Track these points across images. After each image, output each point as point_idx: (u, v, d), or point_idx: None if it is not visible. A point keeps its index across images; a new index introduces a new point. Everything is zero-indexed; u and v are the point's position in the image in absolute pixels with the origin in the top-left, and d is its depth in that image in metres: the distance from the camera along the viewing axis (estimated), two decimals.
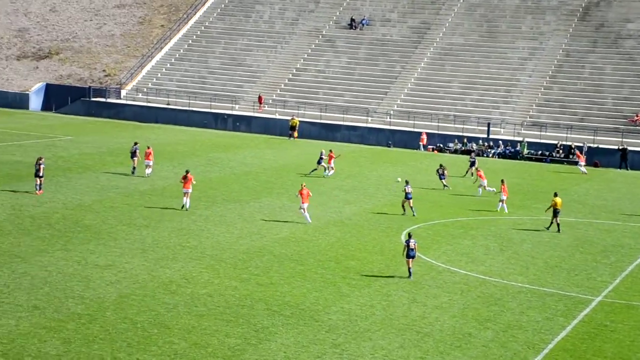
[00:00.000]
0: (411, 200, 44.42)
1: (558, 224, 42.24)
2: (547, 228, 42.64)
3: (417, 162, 65.17)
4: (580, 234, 42.60)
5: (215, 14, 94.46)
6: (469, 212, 46.31)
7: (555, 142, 70.96)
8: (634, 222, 45.99)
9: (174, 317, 27.02)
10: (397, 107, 79.26)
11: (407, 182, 45.23)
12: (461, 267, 34.91)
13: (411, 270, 32.75)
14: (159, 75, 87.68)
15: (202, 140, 70.54)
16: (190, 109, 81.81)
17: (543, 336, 27.36)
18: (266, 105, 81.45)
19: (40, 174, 44.82)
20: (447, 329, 27.52)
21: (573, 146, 68.79)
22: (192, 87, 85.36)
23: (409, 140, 74.20)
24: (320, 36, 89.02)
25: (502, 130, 74.50)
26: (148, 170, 51.76)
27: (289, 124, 75.66)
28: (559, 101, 77.12)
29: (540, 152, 70.99)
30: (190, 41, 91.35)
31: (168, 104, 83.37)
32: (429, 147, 73.35)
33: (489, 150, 71.75)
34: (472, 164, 58.26)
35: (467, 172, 58.31)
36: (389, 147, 74.08)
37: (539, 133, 73.13)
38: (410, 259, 32.65)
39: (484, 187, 51.32)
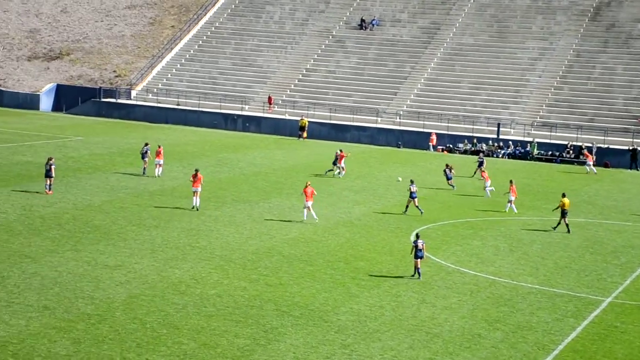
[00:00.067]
0: (416, 200, 44.45)
1: (567, 225, 42.13)
2: (554, 228, 42.55)
3: (427, 162, 65.09)
4: (590, 234, 42.48)
5: (225, 15, 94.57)
6: (478, 213, 46.24)
7: (565, 142, 70.78)
8: None
9: (183, 318, 27.06)
10: (407, 107, 79.20)
11: (412, 182, 45.24)
12: (471, 268, 34.86)
13: (420, 270, 32.71)
14: (169, 76, 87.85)
15: (212, 141, 70.64)
16: (200, 109, 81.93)
17: (553, 337, 27.29)
18: (276, 106, 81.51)
19: (52, 174, 44.98)
20: (456, 329, 27.48)
21: (583, 146, 68.63)
22: (202, 88, 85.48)
23: (418, 140, 74.13)
24: (330, 36, 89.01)
25: (512, 130, 74.34)
26: (158, 170, 51.86)
27: (298, 124, 75.70)
28: (569, 101, 76.93)
29: (550, 152, 70.83)
30: (200, 42, 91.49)
31: (178, 105, 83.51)
32: (439, 147, 73.27)
33: (499, 150, 71.61)
34: (480, 164, 58.19)
35: (475, 172, 58.21)
36: (399, 147, 74.03)
37: (549, 133, 72.96)
38: (419, 260, 32.63)
39: (488, 187, 51.21)
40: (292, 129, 76.83)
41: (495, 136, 73.27)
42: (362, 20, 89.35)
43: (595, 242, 40.86)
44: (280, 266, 33.58)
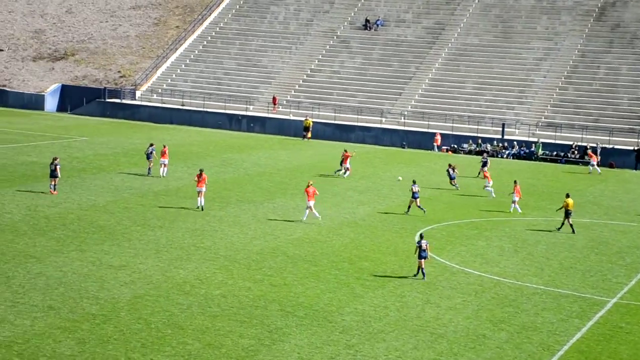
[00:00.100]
0: (418, 200, 44.47)
1: (571, 225, 42.08)
2: (559, 229, 42.49)
3: (431, 162, 65.04)
4: (595, 235, 42.42)
5: (230, 15, 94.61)
6: (483, 213, 46.19)
7: (570, 142, 70.69)
8: None
9: (188, 318, 27.07)
10: (412, 107, 79.16)
11: (414, 182, 45.27)
12: (475, 268, 34.83)
13: (424, 271, 32.68)
14: (174, 76, 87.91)
15: (217, 141, 70.67)
16: (205, 109, 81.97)
17: (558, 338, 27.25)
18: (280, 106, 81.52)
19: (57, 174, 45.03)
20: (461, 330, 27.45)
21: (588, 147, 68.57)
22: (206, 88, 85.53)
23: (423, 141, 74.09)
24: (335, 37, 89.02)
25: (516, 130, 74.27)
26: (163, 170, 51.92)
27: (302, 124, 75.72)
28: (574, 102, 76.84)
29: (555, 152, 70.75)
30: (205, 42, 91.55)
31: (183, 105, 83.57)
32: (443, 147, 73.23)
33: (504, 151, 71.54)
34: (484, 164, 58.17)
35: (479, 172, 58.15)
36: (403, 147, 73.99)
37: (553, 134, 72.87)
38: (422, 260, 32.61)
39: (488, 187, 51.18)
40: (297, 129, 76.85)
41: (500, 136, 73.21)
42: (367, 21, 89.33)
43: (600, 242, 40.80)
44: (285, 266, 33.58)
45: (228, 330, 26.23)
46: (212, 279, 31.40)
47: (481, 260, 36.21)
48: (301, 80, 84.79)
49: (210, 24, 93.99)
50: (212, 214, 42.27)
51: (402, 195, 49.93)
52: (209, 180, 45.89)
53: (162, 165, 52.06)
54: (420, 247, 32.55)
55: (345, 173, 55.60)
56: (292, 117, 79.40)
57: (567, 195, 43.05)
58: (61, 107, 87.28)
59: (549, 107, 76.67)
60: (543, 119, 75.40)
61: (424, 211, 44.30)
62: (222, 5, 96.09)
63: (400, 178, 53.31)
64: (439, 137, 73.08)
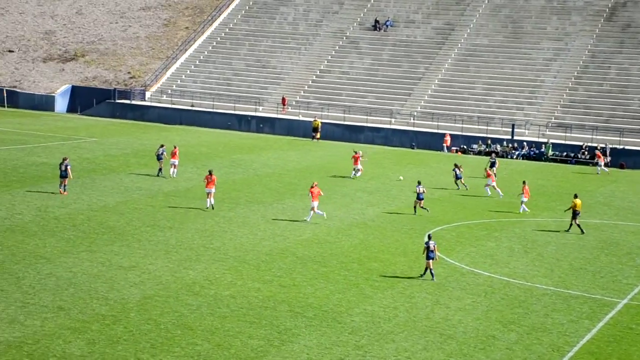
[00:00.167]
0: (422, 201, 44.48)
1: (579, 225, 42.01)
2: (568, 230, 42.39)
3: (441, 163, 64.93)
4: (605, 236, 42.29)
5: (239, 16, 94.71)
6: (492, 214, 46.11)
7: (580, 143, 70.51)
8: None
9: (197, 319, 27.10)
10: (421, 108, 79.09)
11: (419, 183, 45.29)
12: (485, 269, 34.76)
13: (432, 271, 32.63)
14: (184, 77, 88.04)
15: (226, 142, 70.74)
16: (214, 110, 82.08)
17: (568, 339, 27.18)
18: (290, 107, 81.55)
19: (67, 175, 45.11)
20: (470, 331, 27.40)
21: (599, 147, 68.41)
22: (216, 89, 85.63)
23: (432, 141, 74.01)
24: (344, 37, 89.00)
25: (526, 131, 74.12)
26: (173, 171, 52.01)
27: (311, 125, 75.77)
28: (584, 102, 76.64)
29: (565, 153, 70.57)
30: (214, 43, 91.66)
31: (192, 106, 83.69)
32: (453, 148, 73.14)
33: (513, 151, 71.40)
34: (493, 164, 58.14)
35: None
36: (413, 148, 73.93)
37: (563, 134, 72.70)
38: (430, 261, 32.57)
39: (492, 186, 51.12)
40: (306, 130, 76.87)
41: (509, 137, 73.08)
42: (376, 21, 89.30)
43: (610, 243, 40.67)
44: (294, 267, 33.58)
45: (237, 331, 26.24)
46: (222, 279, 31.43)
47: (491, 261, 36.14)
48: (310, 81, 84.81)
49: (219, 24, 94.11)
50: (221, 214, 42.30)
51: (411, 196, 49.79)
52: (218, 181, 45.95)
53: (172, 166, 52.16)
54: (428, 247, 32.52)
55: (357, 173, 55.65)
56: (301, 118, 79.42)
57: (575, 196, 42.95)
58: (71, 108, 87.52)
59: (559, 108, 76.49)
60: (553, 120, 75.21)
61: (427, 210, 44.37)
62: (232, 6, 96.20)
63: (401, 177, 53.39)
64: (448, 138, 73.00)
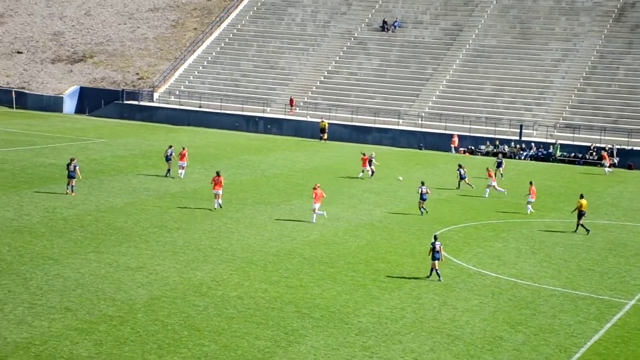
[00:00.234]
0: (424, 202, 44.53)
1: (583, 225, 41.97)
2: (575, 231, 42.32)
3: (449, 164, 64.83)
4: (613, 236, 42.19)
5: (247, 17, 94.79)
6: (500, 215, 46.04)
7: (589, 144, 70.34)
8: None
9: (204, 320, 27.12)
10: (429, 109, 79.01)
11: (422, 183, 45.31)
12: (492, 270, 34.71)
13: (438, 272, 32.61)
14: (192, 78, 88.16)
15: (234, 143, 70.81)
16: (222, 111, 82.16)
17: (575, 340, 27.13)
18: (297, 108, 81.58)
19: (75, 175, 45.20)
20: (477, 332, 27.37)
21: (606, 148, 68.26)
22: (224, 90, 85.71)
23: (440, 142, 73.94)
24: (352, 38, 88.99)
25: (534, 132, 73.99)
26: (181, 172, 52.09)
27: (319, 126, 75.83)
28: (592, 103, 76.46)
29: (573, 154, 70.41)
30: (222, 44, 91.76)
31: (200, 107, 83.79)
32: (461, 149, 73.05)
33: (521, 152, 71.28)
34: (499, 164, 58.10)
35: (495, 173, 57.92)
36: (420, 149, 73.87)
37: (572, 135, 72.54)
38: (436, 261, 32.55)
39: (494, 187, 51.14)
40: (314, 131, 76.89)
41: (517, 138, 72.96)
42: (384, 22, 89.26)
43: (618, 244, 40.57)
44: (301, 268, 33.59)
45: (244, 331, 26.26)
46: (229, 280, 31.45)
47: (498, 262, 36.09)
48: (318, 82, 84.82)
49: (227, 25, 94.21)
50: (228, 215, 42.35)
51: (418, 197, 49.77)
52: (226, 182, 45.99)
53: (180, 167, 52.23)
54: (433, 248, 32.51)
55: (371, 174, 55.73)
56: (309, 119, 79.44)
57: (581, 196, 42.89)
58: (79, 109, 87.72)
59: (567, 109, 76.33)
60: (561, 121, 75.05)
61: (426, 212, 44.50)
62: (240, 7, 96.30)
63: (400, 178, 53.42)
64: (456, 139, 72.92)
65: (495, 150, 71.13)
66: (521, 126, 73.53)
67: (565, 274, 34.74)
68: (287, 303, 29.11)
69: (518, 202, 49.30)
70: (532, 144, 71.65)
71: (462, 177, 53.05)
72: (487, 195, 50.72)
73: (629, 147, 69.63)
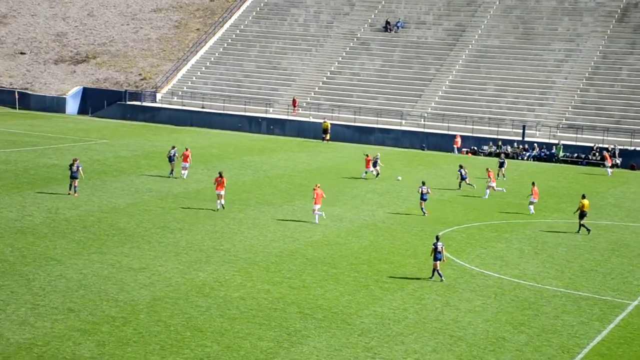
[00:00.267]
0: (424, 202, 44.53)
1: (584, 225, 41.94)
2: (578, 232, 42.31)
3: (451, 165, 64.76)
4: (616, 237, 42.15)
5: (250, 18, 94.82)
6: (502, 215, 46.01)
7: (592, 144, 70.29)
8: None
9: (207, 320, 27.13)
10: (432, 109, 78.99)
11: (423, 183, 45.32)
12: (495, 271, 34.69)
13: (440, 272, 32.60)
14: (194, 79, 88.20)
15: (236, 144, 70.83)
16: (225, 112, 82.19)
17: (578, 340, 27.10)
18: (300, 109, 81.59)
19: (77, 176, 45.21)
20: (480, 332, 27.36)
21: (610, 148, 68.22)
22: (226, 91, 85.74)
23: (443, 143, 73.92)
24: (355, 39, 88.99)
25: (537, 132, 73.95)
26: (183, 172, 52.12)
27: (321, 127, 75.84)
28: (595, 103, 76.40)
29: (576, 154, 70.36)
30: (225, 45, 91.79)
31: (203, 107, 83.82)
32: (463, 149, 73.02)
33: (524, 152, 71.24)
34: (501, 165, 58.08)
35: (498, 174, 57.98)
36: (423, 150, 73.85)
37: (574, 136, 72.48)
38: (437, 262, 32.55)
39: (492, 187, 51.11)
40: (316, 132, 76.91)
41: (520, 138, 72.91)
42: (387, 23, 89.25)
43: (621, 245, 40.53)
44: (304, 269, 33.59)
45: (247, 332, 26.26)
46: (231, 281, 31.46)
47: (501, 263, 36.07)
48: (321, 83, 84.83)
49: (230, 26, 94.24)
50: (231, 216, 42.36)
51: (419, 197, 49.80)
52: (229, 182, 46.00)
53: (183, 168, 52.28)
54: (435, 248, 32.51)
55: (376, 175, 55.75)
56: (311, 120, 79.45)
57: (583, 196, 42.87)
58: (82, 110, 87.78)
59: (570, 109, 76.27)
60: (564, 121, 75.01)
61: (424, 213, 44.42)
62: (243, 7, 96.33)
63: (399, 178, 53.43)
64: (459, 139, 72.90)
65: (498, 151, 71.10)
66: (524, 127, 73.49)
67: (568, 275, 34.71)
68: (289, 304, 29.11)
69: (520, 202, 49.28)
70: (535, 144, 71.60)
71: (463, 178, 53.05)
72: (487, 197, 50.67)
73: (632, 148, 69.57)
